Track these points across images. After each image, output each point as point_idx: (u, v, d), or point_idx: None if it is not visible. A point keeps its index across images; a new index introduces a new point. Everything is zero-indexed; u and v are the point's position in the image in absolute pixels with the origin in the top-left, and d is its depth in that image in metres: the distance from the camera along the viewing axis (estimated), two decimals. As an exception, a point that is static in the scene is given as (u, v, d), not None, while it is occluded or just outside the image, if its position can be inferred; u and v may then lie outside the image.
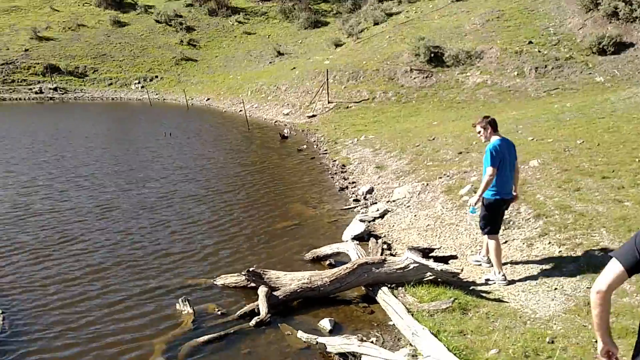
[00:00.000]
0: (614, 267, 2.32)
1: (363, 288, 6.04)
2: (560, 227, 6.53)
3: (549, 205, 7.05)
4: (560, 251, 6.11)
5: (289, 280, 5.91)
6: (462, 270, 5.84)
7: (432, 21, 26.32)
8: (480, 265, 6.34)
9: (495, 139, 5.74)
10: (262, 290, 5.66)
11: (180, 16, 39.58)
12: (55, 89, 30.35)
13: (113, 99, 30.00)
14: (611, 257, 2.37)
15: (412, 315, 5.26)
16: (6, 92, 29.61)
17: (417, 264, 5.84)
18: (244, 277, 6.00)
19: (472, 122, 6.27)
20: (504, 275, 5.84)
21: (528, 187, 7.75)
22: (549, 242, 6.34)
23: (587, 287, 5.40)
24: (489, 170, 5.58)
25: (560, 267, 5.85)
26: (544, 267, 5.95)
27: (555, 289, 5.52)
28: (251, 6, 42.00)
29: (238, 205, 9.70)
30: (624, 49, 18.69)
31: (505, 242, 6.76)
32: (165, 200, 10.02)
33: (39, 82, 30.93)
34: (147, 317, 5.61)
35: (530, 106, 14.99)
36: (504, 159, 5.68)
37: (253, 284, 5.95)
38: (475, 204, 5.83)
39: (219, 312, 5.62)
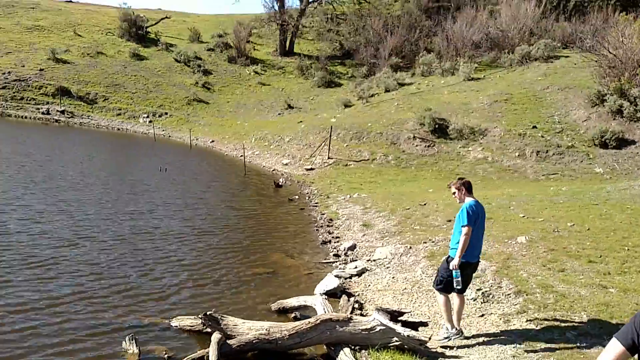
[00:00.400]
0: (614, 347, 2.37)
1: (325, 347, 5.69)
2: (540, 306, 6.23)
3: (531, 283, 6.77)
4: (537, 331, 5.79)
5: (247, 329, 5.57)
6: (430, 338, 5.51)
7: (441, 95, 26.85)
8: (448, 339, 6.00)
9: (470, 200, 5.77)
10: (214, 337, 5.30)
11: (200, 59, 40.58)
12: (62, 112, 30.60)
13: (119, 129, 30.23)
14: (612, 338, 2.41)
15: (371, 382, 4.92)
16: (13, 108, 29.92)
17: (384, 327, 5.53)
18: (200, 321, 5.67)
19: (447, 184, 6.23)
20: (457, 329, 5.80)
21: (512, 262, 7.49)
22: (527, 320, 6.03)
23: (561, 373, 5.07)
24: (465, 229, 5.55)
25: (535, 347, 5.51)
26: (519, 345, 5.61)
27: (528, 370, 5.19)
28: (270, 59, 43.13)
29: (217, 247, 9.41)
30: (626, 145, 18.82)
31: (482, 315, 6.45)
32: (145, 234, 9.74)
33: (47, 102, 31.27)
34: (91, 353, 5.26)
35: (527, 187, 14.90)
36: (477, 220, 5.68)
37: (209, 329, 5.61)
38: (457, 267, 5.65)
39: (166, 356, 5.26)
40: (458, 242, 5.68)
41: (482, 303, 6.70)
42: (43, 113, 30.14)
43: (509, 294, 6.69)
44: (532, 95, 23.26)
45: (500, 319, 6.25)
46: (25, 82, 32.14)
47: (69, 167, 16.35)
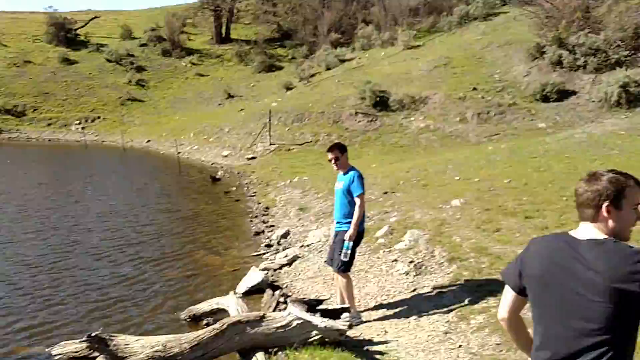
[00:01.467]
0: (507, 292, 2.20)
1: (238, 355, 4.97)
2: (474, 272, 5.70)
3: (464, 248, 6.24)
4: (471, 300, 5.25)
5: (140, 348, 4.76)
6: (350, 326, 4.84)
7: (382, 67, 26.32)
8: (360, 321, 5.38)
9: (352, 166, 5.38)
10: (98, 362, 4.50)
11: (132, 55, 38.68)
12: (-12, 128, 28.62)
13: (50, 140, 28.44)
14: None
15: (286, 389, 4.23)
16: None
17: (301, 321, 4.84)
18: (85, 345, 4.83)
19: (326, 150, 5.71)
20: (359, 312, 5.44)
21: (446, 228, 6.95)
22: (460, 290, 5.49)
23: (497, 343, 4.53)
24: (361, 198, 5.16)
25: (468, 319, 4.98)
26: (452, 320, 5.06)
27: (460, 346, 4.63)
28: (207, 48, 41.59)
29: (137, 258, 8.32)
30: (567, 96, 18.66)
31: (414, 290, 5.87)
32: (59, 253, 8.54)
33: (-29, 120, 29.18)
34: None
35: (467, 150, 14.52)
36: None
37: (97, 352, 4.78)
38: (350, 238, 5.18)
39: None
40: (349, 214, 5.20)
41: (414, 276, 6.13)
42: (-34, 131, 28.04)
43: (442, 263, 6.15)
44: (472, 56, 22.92)
45: (433, 290, 5.69)
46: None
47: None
